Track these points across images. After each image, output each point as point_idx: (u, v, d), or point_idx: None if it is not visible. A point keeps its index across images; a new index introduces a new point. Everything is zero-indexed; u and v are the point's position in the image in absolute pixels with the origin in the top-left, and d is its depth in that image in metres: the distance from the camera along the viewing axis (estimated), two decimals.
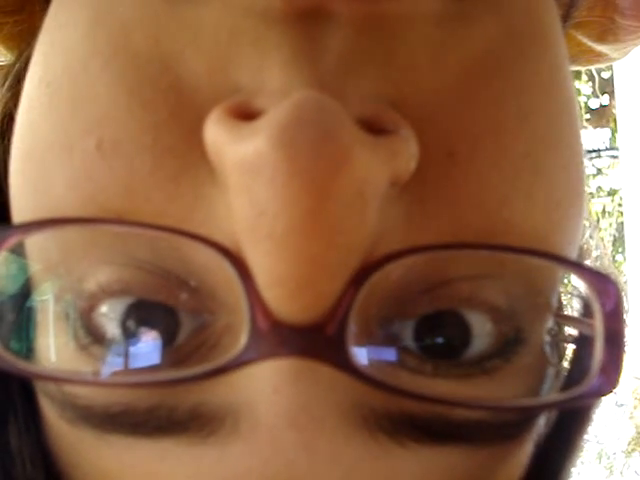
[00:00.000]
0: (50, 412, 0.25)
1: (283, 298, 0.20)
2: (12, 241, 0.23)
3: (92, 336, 0.23)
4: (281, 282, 0.20)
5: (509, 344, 0.23)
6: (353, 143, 0.19)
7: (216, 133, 0.20)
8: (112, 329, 0.23)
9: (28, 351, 0.24)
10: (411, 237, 0.22)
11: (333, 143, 0.19)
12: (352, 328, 0.21)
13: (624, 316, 0.23)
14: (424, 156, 0.21)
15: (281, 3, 0.21)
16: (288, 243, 0.19)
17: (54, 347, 0.24)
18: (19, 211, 0.25)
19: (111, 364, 0.23)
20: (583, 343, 0.24)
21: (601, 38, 0.38)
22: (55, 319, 0.24)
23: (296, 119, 0.19)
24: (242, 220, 0.20)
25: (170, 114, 0.22)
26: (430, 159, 0.22)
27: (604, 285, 0.22)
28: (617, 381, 0.22)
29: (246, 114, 0.20)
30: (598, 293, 0.22)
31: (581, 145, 0.26)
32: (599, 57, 0.42)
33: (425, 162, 0.21)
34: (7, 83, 0.32)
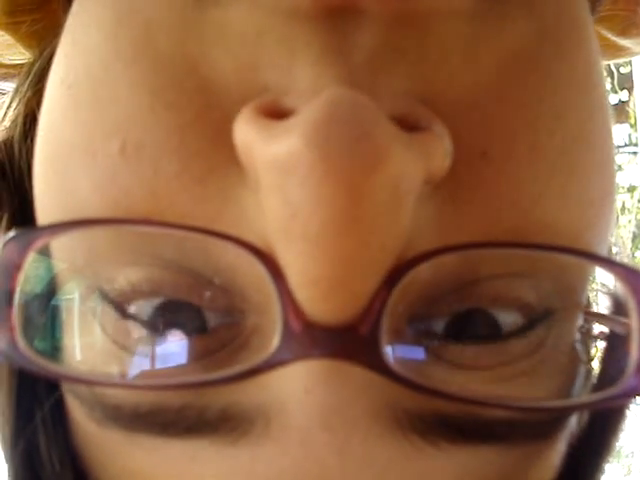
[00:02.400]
0: (78, 412, 0.25)
1: (316, 298, 0.20)
2: (40, 243, 0.23)
3: (121, 336, 0.23)
4: (314, 282, 0.19)
5: (541, 342, 0.23)
6: (388, 141, 0.19)
7: (246, 133, 0.20)
8: (140, 329, 0.23)
9: (55, 351, 0.24)
10: (443, 236, 0.22)
11: (368, 141, 0.18)
12: (385, 328, 0.20)
13: None
14: (457, 155, 0.21)
15: (309, 1, 0.21)
16: (322, 243, 0.19)
17: (81, 347, 0.24)
18: (44, 213, 0.25)
19: (139, 364, 0.23)
20: (616, 341, 0.23)
21: (624, 32, 0.38)
22: (82, 319, 0.24)
23: (330, 117, 0.19)
24: (274, 220, 0.20)
25: (196, 115, 0.22)
26: (463, 158, 0.22)
27: (639, 281, 0.22)
28: None
29: (276, 113, 0.20)
30: (633, 290, 0.22)
31: (613, 143, 0.25)
32: (621, 51, 0.41)
33: (458, 161, 0.21)
34: (28, 82, 0.32)
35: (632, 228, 3.50)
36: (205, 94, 0.22)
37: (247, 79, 0.22)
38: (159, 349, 0.23)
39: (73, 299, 0.24)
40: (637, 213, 3.46)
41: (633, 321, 0.22)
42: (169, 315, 0.23)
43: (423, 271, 0.21)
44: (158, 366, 0.23)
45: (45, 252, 0.24)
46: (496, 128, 0.22)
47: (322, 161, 0.18)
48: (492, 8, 0.23)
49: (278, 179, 0.19)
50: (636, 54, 0.43)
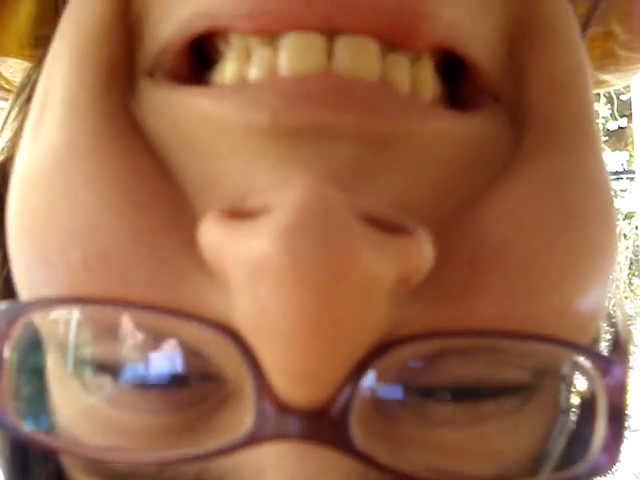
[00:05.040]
0: (66, 460, 0.26)
1: (288, 387, 0.20)
2: (27, 317, 0.23)
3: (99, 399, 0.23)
4: (286, 373, 0.20)
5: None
6: (358, 246, 0.19)
7: (213, 233, 0.20)
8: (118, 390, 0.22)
9: (41, 417, 0.24)
10: (425, 325, 0.21)
11: (339, 249, 0.18)
12: (354, 411, 0.20)
13: (627, 394, 0.22)
14: (441, 260, 0.21)
15: (270, 121, 0.21)
16: (293, 341, 0.19)
17: (66, 412, 0.24)
18: (21, 283, 0.25)
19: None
20: (584, 418, 0.23)
21: (602, 67, 0.39)
22: (66, 385, 0.24)
23: (301, 222, 0.18)
24: (246, 317, 0.20)
25: (168, 220, 0.21)
26: (448, 264, 0.21)
27: (609, 366, 0.22)
28: (618, 458, 0.22)
29: (243, 214, 0.20)
30: (603, 372, 0.22)
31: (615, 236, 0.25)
32: (601, 83, 0.42)
33: (442, 266, 0.21)
34: (13, 113, 0.31)
35: (629, 254, 3.50)
36: (175, 195, 0.22)
37: (216, 185, 0.22)
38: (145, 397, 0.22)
39: (58, 366, 0.24)
40: (635, 239, 3.46)
41: (600, 400, 0.22)
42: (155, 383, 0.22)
43: (396, 357, 0.21)
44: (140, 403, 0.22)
45: (30, 323, 0.23)
46: (485, 234, 0.22)
47: (293, 269, 0.18)
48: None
49: (248, 280, 0.19)
50: (615, 85, 0.44)
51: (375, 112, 0.21)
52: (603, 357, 0.23)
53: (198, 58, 0.24)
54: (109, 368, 0.22)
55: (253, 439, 0.21)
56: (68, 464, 0.25)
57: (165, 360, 0.22)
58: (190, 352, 0.22)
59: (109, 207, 0.21)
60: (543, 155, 0.23)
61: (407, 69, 0.22)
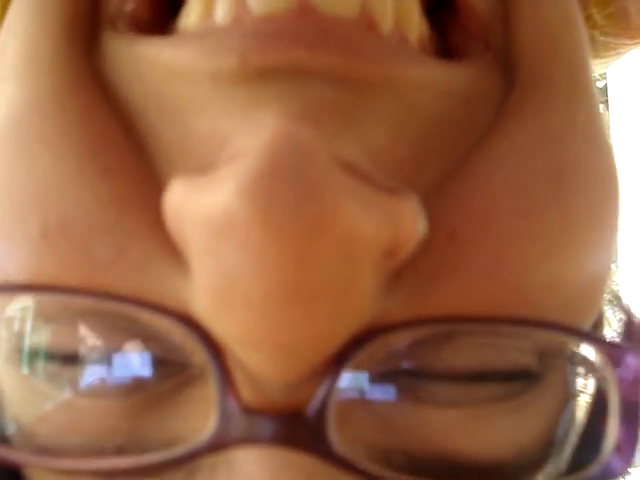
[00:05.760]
0: None
1: (260, 363, 0.18)
2: None
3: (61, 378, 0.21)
4: (258, 348, 0.17)
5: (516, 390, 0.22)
6: (342, 198, 0.16)
7: (174, 193, 0.18)
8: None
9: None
10: (414, 311, 0.20)
11: (316, 200, 0.16)
12: (332, 410, 0.18)
13: None
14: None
15: (238, 63, 0.19)
16: (265, 312, 0.17)
17: (13, 415, 0.22)
18: None
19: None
20: (594, 415, 0.22)
21: None
22: (13, 380, 0.22)
23: (270, 168, 0.16)
24: (210, 289, 0.17)
25: (136, 189, 0.20)
26: (427, 241, 0.19)
27: (621, 355, 0.20)
28: (632, 460, 0.20)
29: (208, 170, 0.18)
30: (614, 363, 0.20)
31: (618, 188, 0.23)
32: None
33: (421, 244, 0.19)
34: None
35: None
36: (144, 161, 0.20)
37: (186, 146, 0.20)
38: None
39: (5, 362, 0.22)
40: None
41: (612, 396, 0.20)
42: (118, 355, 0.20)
43: (378, 349, 0.19)
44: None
45: None
46: (468, 206, 0.20)
47: (262, 224, 0.16)
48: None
49: (211, 242, 0.17)
50: (597, 72, 0.44)
51: (356, 52, 0.19)
52: (613, 345, 0.21)
53: (164, 3, 0.23)
54: (67, 361, 0.21)
55: (218, 444, 0.19)
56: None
57: (129, 356, 0.20)
58: (152, 338, 0.20)
59: (72, 172, 0.20)
60: (529, 110, 0.21)
61: (390, 3, 0.21)
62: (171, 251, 0.19)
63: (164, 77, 0.20)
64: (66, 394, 0.21)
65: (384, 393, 0.20)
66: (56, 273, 0.19)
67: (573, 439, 0.23)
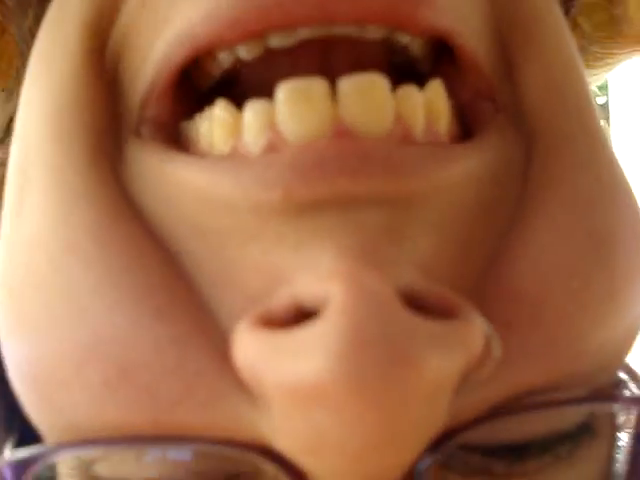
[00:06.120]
0: None
1: None
2: (39, 466, 0.20)
3: None
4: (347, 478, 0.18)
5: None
6: (425, 351, 0.16)
7: (251, 351, 0.17)
8: None
9: None
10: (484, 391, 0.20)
11: (404, 361, 0.16)
12: None
13: None
14: None
15: (282, 198, 0.18)
16: (356, 461, 0.17)
17: None
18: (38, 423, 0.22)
19: None
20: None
21: None
22: None
23: (357, 332, 0.16)
24: (298, 440, 0.17)
25: (191, 326, 0.19)
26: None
27: None
28: None
29: (279, 322, 0.18)
30: None
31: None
32: None
33: None
34: None
35: None
36: (191, 293, 0.19)
37: (232, 277, 0.19)
38: None
39: None
40: None
41: None
42: None
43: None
44: None
45: (48, 470, 0.21)
46: (518, 292, 0.20)
47: (357, 393, 0.16)
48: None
49: (299, 406, 0.17)
50: (590, 84, 0.43)
51: (397, 171, 0.19)
52: None
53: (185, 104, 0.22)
54: None
55: None
56: None
57: None
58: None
59: (126, 318, 0.19)
60: (556, 178, 0.21)
61: (420, 100, 0.20)
62: (237, 383, 0.18)
63: (199, 205, 0.19)
64: None
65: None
66: (122, 419, 0.19)
67: None
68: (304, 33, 0.20)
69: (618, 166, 0.23)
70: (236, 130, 0.20)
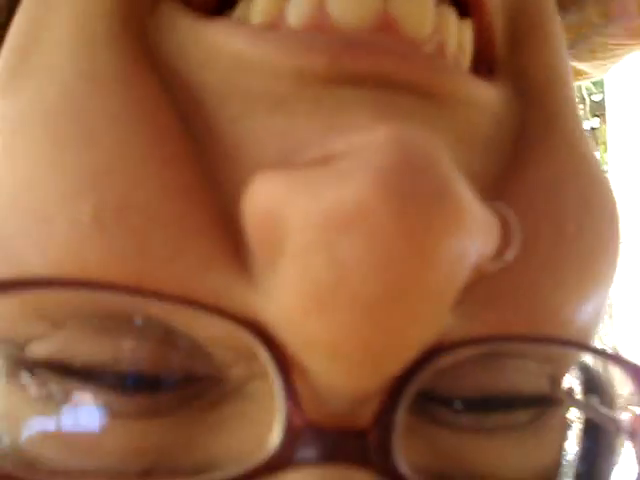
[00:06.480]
0: None
1: (336, 374, 0.17)
2: None
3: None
4: (344, 356, 0.16)
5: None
6: (469, 204, 0.16)
7: (271, 190, 0.16)
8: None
9: None
10: (465, 330, 0.19)
11: (450, 200, 0.15)
12: (398, 430, 0.18)
13: None
14: None
15: (328, 65, 0.18)
16: (373, 314, 0.16)
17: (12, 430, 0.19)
18: None
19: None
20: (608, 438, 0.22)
21: (577, 56, 0.38)
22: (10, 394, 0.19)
23: (403, 160, 0.15)
24: (306, 291, 0.16)
25: (203, 179, 0.18)
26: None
27: None
28: None
29: (306, 166, 0.17)
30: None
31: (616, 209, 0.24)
32: (579, 75, 0.41)
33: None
34: None
35: None
36: (216, 151, 0.19)
37: (257, 141, 0.18)
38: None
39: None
40: None
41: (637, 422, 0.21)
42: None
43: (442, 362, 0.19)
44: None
45: None
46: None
47: (397, 218, 0.15)
48: None
49: (323, 236, 0.15)
50: (593, 77, 0.43)
51: (436, 70, 0.20)
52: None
53: None
54: (78, 374, 0.18)
55: (281, 463, 0.17)
56: None
57: (152, 370, 0.18)
58: (182, 351, 0.18)
59: (139, 154, 0.18)
60: (553, 144, 0.22)
61: (456, 26, 0.22)
62: (234, 253, 0.18)
63: (234, 67, 0.19)
64: (78, 411, 0.18)
65: (433, 417, 0.20)
66: (101, 265, 0.17)
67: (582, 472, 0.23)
68: None
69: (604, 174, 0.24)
70: (279, 4, 0.20)
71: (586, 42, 0.36)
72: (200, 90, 0.19)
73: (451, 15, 0.22)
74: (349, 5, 0.19)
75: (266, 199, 0.16)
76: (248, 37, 0.19)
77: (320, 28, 0.19)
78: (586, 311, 0.21)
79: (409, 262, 0.15)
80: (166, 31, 0.20)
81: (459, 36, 0.22)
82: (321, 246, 0.15)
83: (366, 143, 0.16)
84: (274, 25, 0.20)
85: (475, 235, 0.16)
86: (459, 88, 0.20)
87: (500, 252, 0.18)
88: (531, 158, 0.22)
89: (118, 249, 0.17)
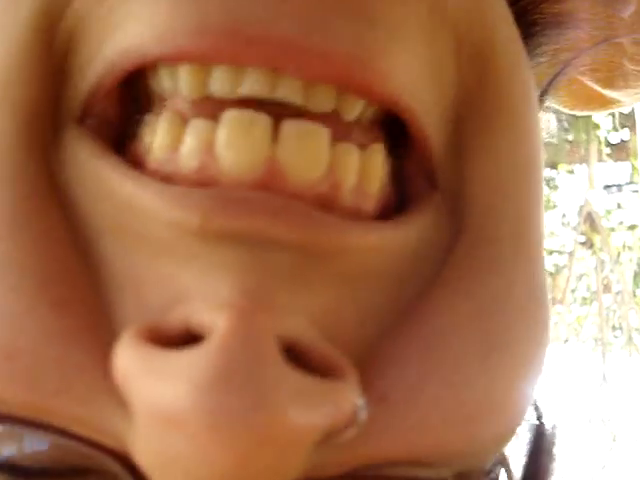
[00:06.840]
0: None
1: None
2: None
3: None
4: None
5: None
6: (287, 405, 0.17)
7: (126, 361, 0.18)
8: None
9: None
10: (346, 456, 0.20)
11: (264, 412, 0.17)
12: None
13: None
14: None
15: (201, 221, 0.19)
16: None
17: None
18: None
19: None
20: None
21: (610, 84, 0.37)
22: None
23: (224, 370, 0.17)
24: (151, 458, 0.18)
25: (86, 322, 0.19)
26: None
27: None
28: None
29: (163, 338, 0.18)
30: None
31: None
32: (611, 103, 0.40)
33: None
34: None
35: (633, 266, 3.47)
36: (95, 294, 0.20)
37: (140, 286, 0.20)
38: None
39: None
40: (638, 251, 3.44)
41: None
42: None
43: None
44: None
45: None
46: (399, 371, 0.21)
47: (210, 429, 0.16)
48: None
49: (157, 427, 0.17)
50: (627, 105, 0.42)
51: (316, 226, 0.19)
52: None
53: (131, 99, 0.22)
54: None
55: None
56: None
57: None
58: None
59: (23, 303, 0.19)
60: (471, 276, 0.22)
61: (357, 159, 0.21)
62: (114, 387, 0.19)
63: (123, 208, 0.20)
64: None
65: None
66: (3, 396, 0.19)
67: None
68: (249, 81, 0.20)
69: (542, 289, 0.24)
70: (177, 142, 0.20)
71: (620, 71, 0.35)
72: (99, 219, 0.20)
73: (350, 151, 0.21)
74: (237, 153, 0.20)
75: (121, 369, 0.18)
76: (136, 184, 0.20)
77: (208, 172, 0.20)
78: (481, 440, 0.22)
79: (226, 460, 0.17)
80: (66, 161, 0.21)
81: (366, 165, 0.21)
82: (155, 433, 0.17)
83: (208, 336, 0.17)
84: (170, 164, 0.20)
85: (295, 429, 0.17)
86: (336, 241, 0.20)
87: (345, 425, 0.18)
88: (444, 294, 0.22)
89: (9, 386, 0.19)
